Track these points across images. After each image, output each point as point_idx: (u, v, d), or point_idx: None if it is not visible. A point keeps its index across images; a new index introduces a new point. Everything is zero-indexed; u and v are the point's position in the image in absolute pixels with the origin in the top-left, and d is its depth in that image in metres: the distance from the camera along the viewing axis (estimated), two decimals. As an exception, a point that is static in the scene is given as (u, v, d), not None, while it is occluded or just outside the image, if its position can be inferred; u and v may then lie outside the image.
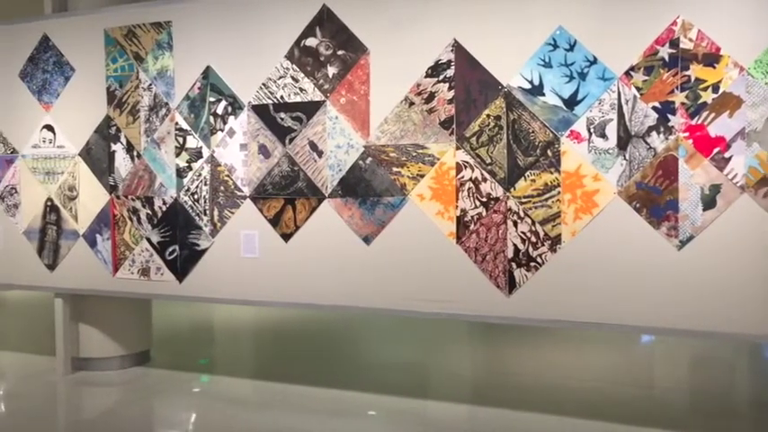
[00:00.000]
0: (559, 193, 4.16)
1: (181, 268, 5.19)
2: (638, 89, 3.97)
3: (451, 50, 4.39)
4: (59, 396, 5.44)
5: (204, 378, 5.83)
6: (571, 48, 4.11)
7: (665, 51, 3.92)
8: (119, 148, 5.38)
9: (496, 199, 4.31)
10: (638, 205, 4.00)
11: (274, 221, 4.89)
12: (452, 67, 4.39)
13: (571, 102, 4.11)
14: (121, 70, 5.35)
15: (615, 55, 4.01)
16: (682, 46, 3.88)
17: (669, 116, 3.91)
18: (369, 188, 4.61)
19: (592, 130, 4.08)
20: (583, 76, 4.09)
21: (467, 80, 4.36)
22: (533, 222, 4.22)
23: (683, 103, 3.89)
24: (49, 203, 5.67)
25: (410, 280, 4.52)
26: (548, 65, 4.17)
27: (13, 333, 7.63)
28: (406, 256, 4.52)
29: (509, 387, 5.42)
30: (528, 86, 4.21)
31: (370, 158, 4.61)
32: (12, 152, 5.80)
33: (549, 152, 4.17)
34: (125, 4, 5.41)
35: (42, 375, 5.75)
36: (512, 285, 4.29)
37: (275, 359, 6.53)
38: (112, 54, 5.37)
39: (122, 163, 5.38)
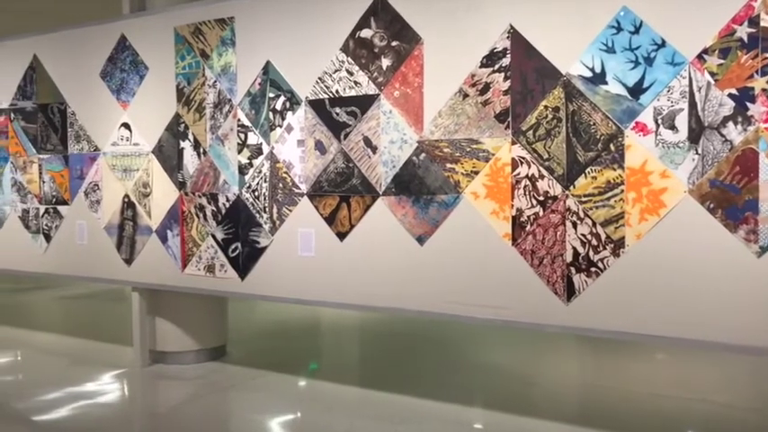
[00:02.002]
0: (623, 191, 3.76)
1: (243, 266, 5.17)
2: (713, 74, 3.51)
3: (507, 38, 4.07)
4: (132, 388, 5.58)
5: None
6: (636, 30, 3.70)
7: (743, 31, 3.43)
8: (187, 146, 5.44)
9: (554, 198, 3.96)
10: (711, 206, 3.55)
11: (330, 219, 4.76)
12: (508, 56, 4.07)
13: (636, 90, 3.70)
14: (189, 68, 5.39)
15: (686, 37, 3.57)
16: (763, 24, 3.39)
17: (748, 104, 3.43)
18: (422, 186, 4.38)
19: (659, 122, 3.65)
20: (649, 61, 3.67)
21: (523, 69, 4.03)
22: (594, 224, 3.85)
23: (764, 90, 3.40)
24: (126, 200, 5.82)
25: (463, 284, 4.26)
26: (610, 50, 3.77)
27: (103, 323, 7.94)
28: (460, 259, 4.26)
29: (603, 402, 5.03)
30: (589, 74, 3.83)
31: (423, 154, 4.37)
32: (95, 150, 6.00)
33: (612, 146, 3.78)
34: (194, 2, 5.44)
35: (121, 366, 5.92)
36: (570, 292, 3.94)
37: (353, 360, 6.44)
38: (181, 52, 5.43)
39: (190, 160, 5.42)
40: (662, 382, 5.40)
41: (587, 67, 3.83)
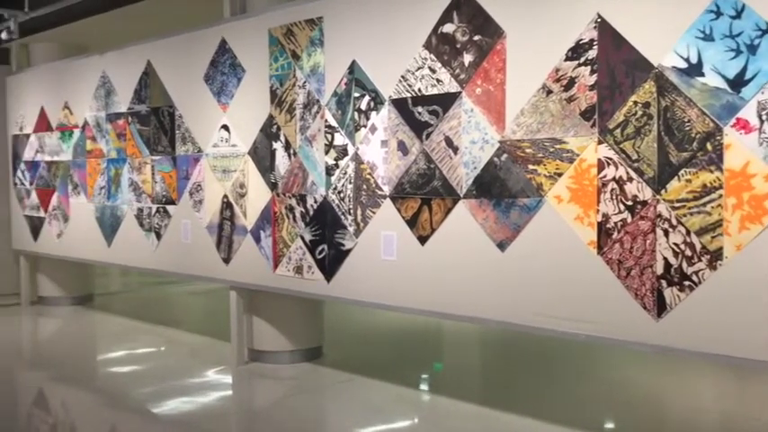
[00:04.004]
0: (721, 196, 3.34)
1: (329, 268, 5.11)
2: (828, 62, 3.04)
3: (594, 27, 3.74)
4: (227, 385, 5.68)
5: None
6: (738, 14, 3.27)
7: None
8: (279, 147, 5.45)
9: (644, 203, 3.59)
10: (825, 214, 3.07)
11: (411, 222, 4.60)
12: (595, 48, 3.74)
13: (738, 82, 3.27)
14: (282, 69, 5.40)
15: (796, 19, 3.12)
16: None
17: None
18: (504, 188, 4.12)
19: (764, 118, 3.21)
20: (753, 49, 3.23)
21: (611, 62, 3.68)
22: (688, 232, 3.44)
23: None
24: (225, 200, 5.93)
25: (545, 294, 3.96)
26: (708, 38, 3.36)
27: (215, 319, 8.13)
28: (542, 267, 3.97)
29: None
30: (683, 65, 3.43)
31: (505, 155, 4.11)
32: (198, 151, 6.16)
33: (709, 146, 3.36)
34: (286, 3, 5.45)
35: (221, 363, 6.05)
36: (661, 307, 3.55)
37: (448, 370, 6.24)
38: (274, 53, 5.45)
39: (281, 161, 5.44)
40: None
41: (682, 57, 3.44)
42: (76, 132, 7.71)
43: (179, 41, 6.34)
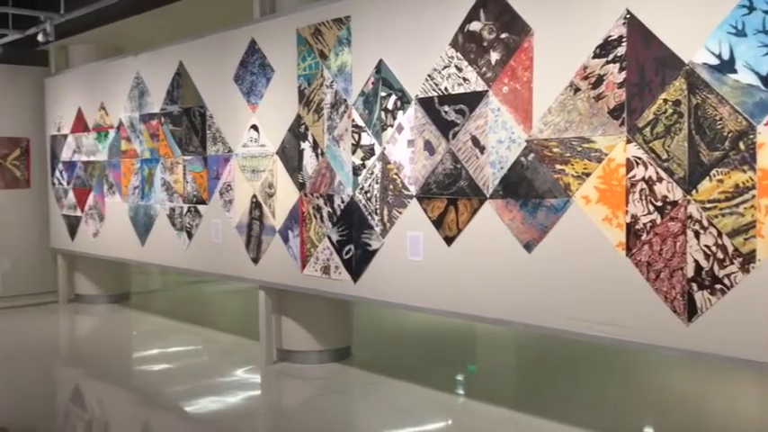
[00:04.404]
0: (754, 197, 3.23)
1: (356, 268, 5.09)
2: None
3: (623, 24, 3.65)
4: (255, 384, 5.70)
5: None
6: (772, 8, 3.16)
7: None
8: (306, 147, 5.45)
9: (674, 203, 3.49)
10: None
11: (438, 223, 4.55)
12: (624, 44, 3.64)
13: (772, 79, 3.17)
14: (309, 69, 5.40)
15: (833, 13, 3.00)
16: None
17: None
18: (531, 188, 4.05)
19: (800, 115, 3.10)
20: (788, 44, 3.12)
21: (640, 59, 3.59)
22: (720, 234, 3.34)
23: None
24: (254, 200, 5.95)
25: (572, 297, 3.88)
26: (740, 33, 3.25)
27: (246, 318, 8.17)
28: (569, 269, 3.88)
29: None
30: (715, 62, 3.33)
31: (532, 155, 4.04)
32: (228, 151, 6.19)
33: (742, 145, 3.25)
34: (314, 3, 5.44)
35: (251, 362, 6.06)
36: (692, 311, 3.45)
37: (479, 373, 6.17)
38: (302, 53, 5.44)
39: (309, 161, 5.43)
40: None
41: (713, 53, 3.33)
42: (112, 133, 7.82)
43: (210, 42, 6.38)
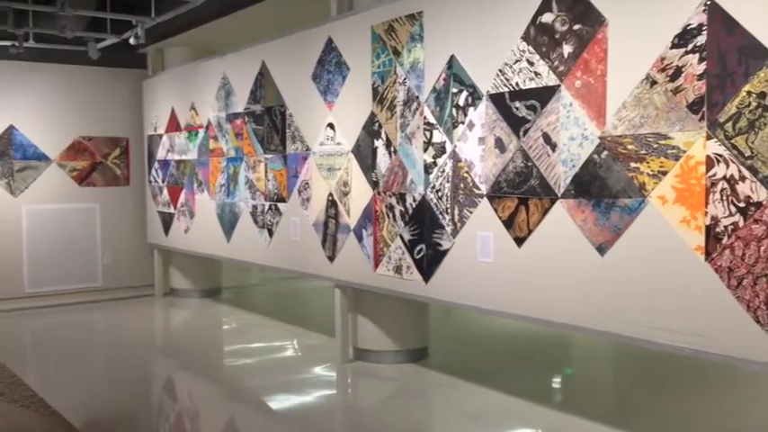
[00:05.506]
0: None
1: (427, 268, 4.99)
2: None
3: (704, 11, 3.38)
4: (330, 383, 5.70)
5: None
6: None
7: None
8: (380, 145, 5.39)
9: (758, 204, 3.21)
10: None
11: (508, 223, 4.39)
12: (704, 33, 3.38)
13: None
14: (383, 66, 5.33)
15: None
16: None
17: None
18: (604, 188, 3.83)
19: None
20: None
21: (722, 48, 3.32)
22: (809, 238, 3.04)
23: None
24: (330, 198, 5.95)
25: (647, 303, 3.64)
26: (834, 17, 2.95)
27: (325, 315, 8.20)
28: (644, 274, 3.65)
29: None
30: (805, 50, 3.04)
31: (605, 152, 3.82)
32: (306, 150, 6.22)
33: (835, 140, 2.95)
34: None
35: (328, 360, 6.07)
36: (777, 322, 3.16)
37: (553, 379, 5.94)
38: (376, 50, 5.38)
39: (382, 159, 5.37)
40: None
41: (803, 40, 3.04)
42: (201, 132, 8.03)
43: (290, 41, 6.43)
